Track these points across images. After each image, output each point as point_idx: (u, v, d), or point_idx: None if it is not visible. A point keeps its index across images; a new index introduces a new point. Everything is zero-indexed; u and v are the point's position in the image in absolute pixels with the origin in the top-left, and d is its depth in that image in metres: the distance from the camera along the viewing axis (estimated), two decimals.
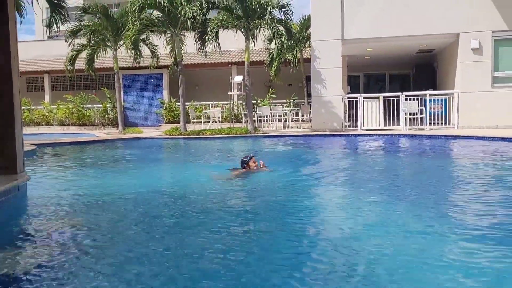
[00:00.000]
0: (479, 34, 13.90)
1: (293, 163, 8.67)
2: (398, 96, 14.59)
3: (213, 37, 14.12)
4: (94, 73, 19.77)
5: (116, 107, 19.55)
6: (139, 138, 14.86)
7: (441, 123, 14.57)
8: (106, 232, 3.94)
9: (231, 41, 18.59)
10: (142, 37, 16.41)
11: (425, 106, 14.50)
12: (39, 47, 25.59)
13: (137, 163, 9.50)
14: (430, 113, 14.70)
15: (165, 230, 4.00)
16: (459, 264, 2.95)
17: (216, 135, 14.50)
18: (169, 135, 15.19)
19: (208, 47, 14.95)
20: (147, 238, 3.72)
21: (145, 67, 18.79)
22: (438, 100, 14.93)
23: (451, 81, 15.12)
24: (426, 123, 14.28)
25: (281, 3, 14.25)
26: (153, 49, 17.82)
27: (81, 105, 21.47)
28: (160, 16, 15.34)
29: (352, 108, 15.69)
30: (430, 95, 14.81)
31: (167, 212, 4.72)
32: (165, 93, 21.74)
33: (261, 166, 6.63)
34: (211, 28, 13.99)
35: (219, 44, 14.53)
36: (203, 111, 18.82)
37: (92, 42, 18.32)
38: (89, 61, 18.86)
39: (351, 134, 13.81)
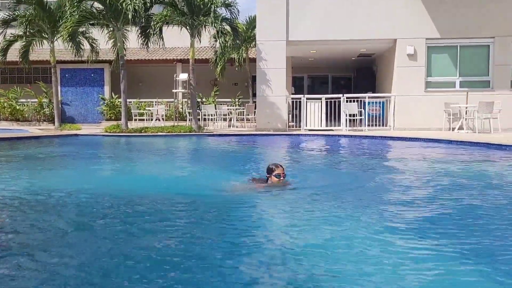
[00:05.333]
0: (414, 40, 14.65)
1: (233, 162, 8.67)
2: (340, 98, 15.04)
3: (156, 32, 13.81)
4: (29, 65, 18.68)
5: (53, 102, 18.58)
6: (76, 135, 14.22)
7: (379, 125, 15.21)
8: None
9: (176, 38, 18.25)
10: (81, 29, 15.71)
11: (364, 108, 15.07)
12: None
13: (69, 161, 9.06)
14: (369, 114, 15.30)
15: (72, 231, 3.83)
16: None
17: (159, 133, 14.20)
18: (110, 132, 14.67)
19: (152, 42, 14.61)
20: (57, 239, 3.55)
21: (85, 62, 18.01)
22: (376, 102, 15.58)
23: (389, 84, 15.83)
24: (365, 124, 14.84)
25: (226, 2, 14.22)
26: (93, 43, 17.11)
27: (14, 99, 20.20)
28: (101, 8, 14.77)
29: (295, 109, 15.99)
30: (369, 97, 15.42)
31: (90, 214, 4.53)
32: (107, 89, 20.98)
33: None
34: (155, 23, 13.67)
35: (163, 40, 14.24)
36: (146, 108, 18.36)
37: (28, 33, 17.29)
38: (24, 53, 17.78)
39: (294, 134, 14.06)
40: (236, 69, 18.94)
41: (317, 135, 13.77)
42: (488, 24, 14.39)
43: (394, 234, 3.58)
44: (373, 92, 18.18)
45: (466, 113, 13.74)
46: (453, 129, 13.95)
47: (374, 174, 6.82)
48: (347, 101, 15.00)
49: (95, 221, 4.14)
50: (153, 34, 13.98)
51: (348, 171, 7.39)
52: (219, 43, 13.86)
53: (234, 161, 8.94)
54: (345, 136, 13.48)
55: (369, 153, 10.13)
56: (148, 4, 14.02)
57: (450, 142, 10.80)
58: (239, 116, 17.69)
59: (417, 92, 14.72)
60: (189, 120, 16.76)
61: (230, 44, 14.93)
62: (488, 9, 14.34)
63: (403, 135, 12.41)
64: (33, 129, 17.16)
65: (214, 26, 13.60)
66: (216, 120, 17.54)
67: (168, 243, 3.37)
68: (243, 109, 17.87)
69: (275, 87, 15.17)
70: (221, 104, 18.96)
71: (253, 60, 16.90)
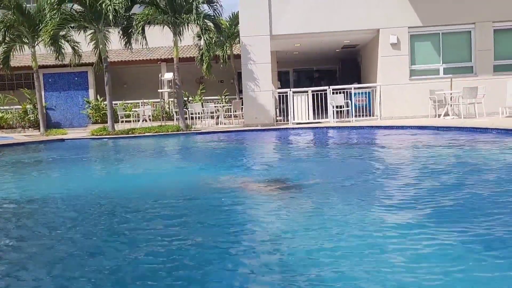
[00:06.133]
0: (397, 30, 14.74)
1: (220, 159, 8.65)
2: (326, 90, 15.08)
3: (139, 32, 13.67)
4: (11, 72, 18.39)
5: (37, 108, 18.32)
6: (62, 140, 14.05)
7: (366, 115, 15.29)
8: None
9: (159, 38, 18.14)
10: (62, 33, 15.49)
11: (350, 99, 15.13)
12: None
13: (55, 166, 8.94)
14: (355, 105, 15.38)
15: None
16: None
17: (147, 134, 14.10)
18: (96, 135, 14.52)
19: (135, 43, 14.47)
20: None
21: (68, 65, 17.78)
22: (362, 93, 15.65)
23: (373, 75, 15.91)
24: (352, 115, 14.91)
25: None
26: (74, 46, 16.88)
27: None
28: (81, 10, 14.58)
29: (282, 103, 15.99)
30: (355, 88, 15.48)
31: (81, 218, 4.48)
32: (91, 92, 20.74)
33: None
34: (137, 22, 13.54)
35: (145, 39, 14.09)
36: (133, 109, 18.20)
37: (7, 39, 17.01)
38: (4, 59, 17.50)
39: (282, 128, 14.06)
40: (221, 66, 18.87)
41: (306, 128, 13.79)
42: (468, 10, 14.53)
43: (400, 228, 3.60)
44: (359, 83, 18.27)
45: (451, 99, 13.88)
46: (439, 115, 14.08)
47: (371, 166, 6.77)
48: (333, 93, 15.05)
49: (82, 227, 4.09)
50: (136, 33, 13.83)
51: (344, 162, 7.36)
52: (204, 40, 13.75)
53: (223, 158, 8.91)
54: (333, 127, 13.51)
55: (363, 143, 10.17)
56: (129, 4, 13.87)
57: (437, 128, 10.92)
58: (227, 113, 17.64)
59: (402, 80, 14.82)
60: (176, 120, 16.67)
61: (214, 41, 14.83)
62: None
63: (391, 124, 12.49)
64: (18, 136, 16.91)
65: (197, 23, 13.52)
66: (204, 118, 17.47)
67: (166, 245, 3.35)
68: (230, 105, 17.82)
69: (261, 82, 15.15)
70: (208, 102, 18.88)
71: (238, 57, 16.84)
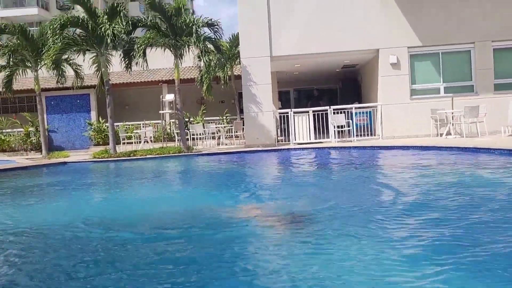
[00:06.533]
0: (397, 50, 14.82)
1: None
2: (326, 110, 15.09)
3: (140, 55, 13.79)
4: (13, 95, 18.52)
5: (39, 131, 18.37)
6: (65, 163, 14.02)
7: (368, 134, 15.26)
8: None
9: (160, 60, 18.29)
10: (64, 56, 15.63)
11: (351, 119, 15.13)
12: None
13: (58, 191, 8.90)
14: (356, 125, 15.36)
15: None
16: None
17: (148, 156, 14.08)
18: (98, 157, 14.51)
19: (136, 65, 14.57)
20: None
21: (70, 88, 17.90)
22: (363, 112, 15.65)
23: (374, 94, 15.94)
24: (353, 135, 14.88)
25: (209, 22, 14.29)
26: (77, 69, 17.01)
27: (0, 130, 19.98)
28: (84, 34, 14.74)
29: (283, 123, 16.00)
30: (355, 108, 15.49)
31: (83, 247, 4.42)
32: (93, 114, 20.84)
33: None
34: (138, 46, 13.66)
35: (146, 62, 14.19)
36: (134, 131, 18.22)
37: (11, 63, 17.20)
38: (7, 83, 17.62)
39: (284, 149, 14.02)
40: (222, 87, 18.97)
41: (307, 148, 13.75)
42: (467, 30, 14.63)
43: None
44: (359, 102, 18.31)
45: (452, 119, 13.85)
46: (441, 134, 14.04)
47: (373, 189, 6.69)
48: (334, 113, 15.06)
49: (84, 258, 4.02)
50: (138, 57, 13.95)
51: (346, 189, 7.26)
52: (203, 62, 13.86)
53: (224, 182, 8.85)
54: (335, 148, 13.46)
55: (363, 164, 10.11)
56: (131, 28, 14.03)
57: (439, 148, 10.87)
58: (228, 134, 17.64)
59: (403, 100, 14.83)
60: (178, 141, 16.67)
61: (214, 63, 14.94)
62: (466, 15, 14.60)
63: (393, 144, 12.45)
64: (20, 159, 16.91)
65: (197, 46, 13.63)
66: (205, 138, 17.48)
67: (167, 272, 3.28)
68: (231, 126, 17.83)
69: (262, 103, 15.18)
70: (209, 123, 18.92)
71: (239, 77, 16.93)
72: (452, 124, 13.89)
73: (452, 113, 13.69)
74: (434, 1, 14.64)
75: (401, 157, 10.59)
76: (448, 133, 13.79)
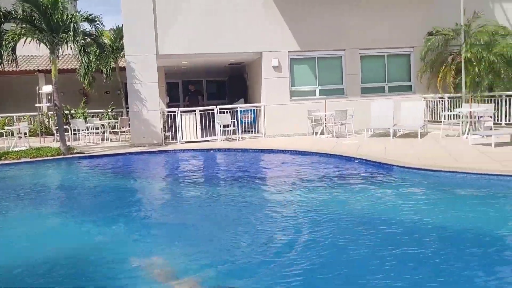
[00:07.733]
0: (278, 53, 15.73)
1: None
2: (213, 109, 15.53)
3: (9, 52, 12.62)
4: None
5: None
6: None
7: (252, 131, 16.11)
8: None
9: (37, 47, 16.85)
10: None
11: (237, 118, 15.81)
12: None
13: None
14: (241, 121, 16.13)
15: None
16: None
17: (22, 159, 13.08)
18: None
19: (7, 62, 13.30)
20: None
21: None
22: (248, 110, 16.46)
23: (258, 93, 16.79)
24: (239, 132, 15.62)
25: (89, 17, 13.57)
26: None
27: None
28: None
29: (171, 119, 16.08)
30: (240, 107, 16.21)
31: None
32: None
33: None
34: (6, 42, 12.48)
35: (17, 61, 13.04)
36: (5, 127, 16.69)
37: None
38: None
39: (170, 150, 14.14)
40: (104, 81, 18.25)
41: (193, 150, 14.08)
42: (340, 38, 16.08)
43: None
44: (245, 97, 19.11)
45: (325, 120, 15.31)
46: (316, 133, 15.45)
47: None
48: (220, 112, 15.56)
49: None
50: (6, 53, 12.74)
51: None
52: (83, 62, 13.20)
53: (105, 203, 8.49)
54: (220, 150, 14.00)
55: (242, 174, 10.79)
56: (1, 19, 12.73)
57: (312, 153, 12.06)
58: (113, 130, 17.16)
59: (284, 101, 15.90)
60: (57, 138, 15.75)
61: (96, 59, 14.31)
62: (340, 25, 16.01)
63: (272, 147, 13.38)
64: None
65: (77, 44, 12.93)
66: (88, 134, 16.78)
67: None
68: (117, 122, 17.36)
69: (148, 102, 15.03)
70: (92, 117, 18.15)
71: (124, 69, 16.38)
72: (325, 125, 15.36)
73: (325, 115, 15.12)
74: (311, 11, 15.76)
75: (277, 162, 11.53)
76: (322, 133, 15.24)
